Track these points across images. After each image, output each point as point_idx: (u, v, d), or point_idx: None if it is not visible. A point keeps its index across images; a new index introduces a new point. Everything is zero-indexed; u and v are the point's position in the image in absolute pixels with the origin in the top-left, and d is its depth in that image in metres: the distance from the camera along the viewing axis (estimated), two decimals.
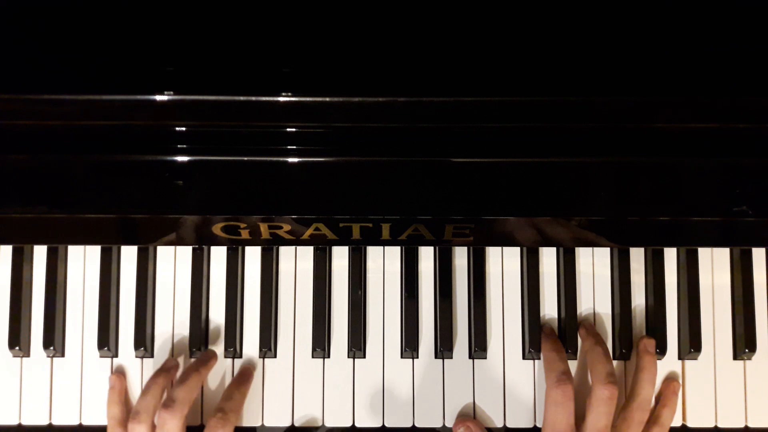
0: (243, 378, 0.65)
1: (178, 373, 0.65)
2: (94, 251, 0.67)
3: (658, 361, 0.66)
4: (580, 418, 0.61)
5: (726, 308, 0.67)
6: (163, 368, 0.65)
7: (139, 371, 0.67)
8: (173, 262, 0.67)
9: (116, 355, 0.67)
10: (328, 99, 0.52)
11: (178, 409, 0.59)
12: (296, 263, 0.67)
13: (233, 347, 0.65)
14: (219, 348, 0.66)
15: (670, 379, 0.66)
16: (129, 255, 0.67)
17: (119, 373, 0.66)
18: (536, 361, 0.66)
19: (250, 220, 0.58)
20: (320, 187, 0.56)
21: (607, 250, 0.67)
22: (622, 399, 0.64)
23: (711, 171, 0.55)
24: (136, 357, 0.67)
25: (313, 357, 0.66)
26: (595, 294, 0.67)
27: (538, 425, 0.65)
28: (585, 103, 0.53)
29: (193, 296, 0.66)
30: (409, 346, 0.66)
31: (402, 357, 0.66)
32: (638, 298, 0.67)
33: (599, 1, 0.54)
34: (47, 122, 0.54)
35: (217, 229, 0.59)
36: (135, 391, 0.67)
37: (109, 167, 0.55)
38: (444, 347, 0.65)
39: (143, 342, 0.66)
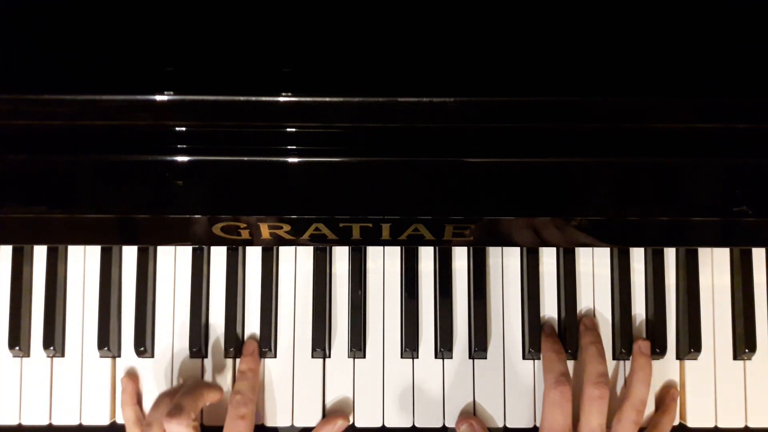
0: (250, 355, 0.65)
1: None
2: (94, 251, 0.67)
3: (659, 361, 0.66)
4: (578, 418, 0.61)
5: (726, 308, 0.67)
6: (173, 389, 0.65)
7: (139, 371, 0.67)
8: (173, 263, 0.67)
9: (116, 355, 0.67)
10: (328, 99, 0.52)
11: (184, 416, 0.58)
12: (296, 263, 0.67)
13: (233, 347, 0.65)
14: (219, 345, 0.66)
15: (669, 386, 0.66)
16: (129, 255, 0.67)
17: (131, 374, 0.66)
18: (536, 361, 0.66)
19: (250, 220, 0.58)
20: (320, 187, 0.56)
21: (607, 250, 0.67)
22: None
23: (711, 171, 0.55)
24: (137, 357, 0.67)
25: (313, 357, 0.66)
26: (595, 294, 0.67)
27: (539, 425, 0.65)
28: (585, 104, 0.53)
29: (193, 296, 0.66)
30: (409, 346, 0.66)
31: (402, 357, 0.66)
32: (638, 298, 0.67)
33: (600, 1, 0.54)
34: (47, 122, 0.54)
35: (217, 229, 0.59)
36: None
37: (109, 167, 0.55)
38: (444, 347, 0.65)
39: (143, 342, 0.66)
